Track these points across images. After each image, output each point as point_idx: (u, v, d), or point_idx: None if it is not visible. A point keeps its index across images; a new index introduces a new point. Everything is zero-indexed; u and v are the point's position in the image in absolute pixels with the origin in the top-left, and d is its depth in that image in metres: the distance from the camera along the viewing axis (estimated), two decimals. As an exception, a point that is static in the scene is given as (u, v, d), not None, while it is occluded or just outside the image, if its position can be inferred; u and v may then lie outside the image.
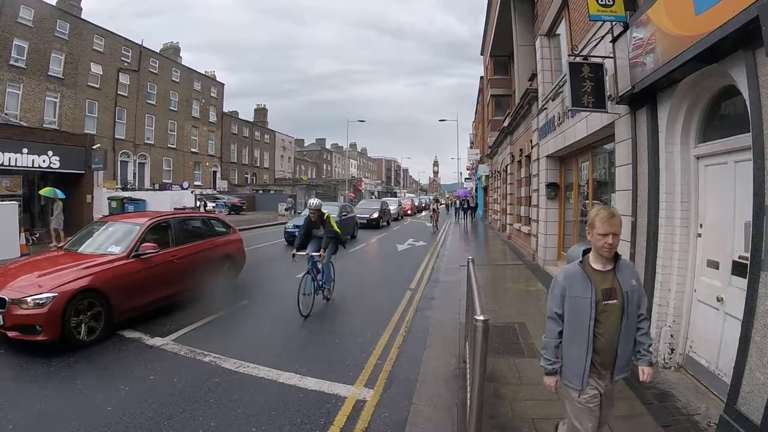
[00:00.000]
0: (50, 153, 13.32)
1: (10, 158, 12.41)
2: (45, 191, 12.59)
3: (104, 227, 6.55)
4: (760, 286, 2.75)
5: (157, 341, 5.10)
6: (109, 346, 4.93)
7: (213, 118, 41.68)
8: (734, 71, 3.16)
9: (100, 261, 5.48)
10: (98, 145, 17.12)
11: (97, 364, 4.44)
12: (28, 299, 4.59)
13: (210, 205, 26.87)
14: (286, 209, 29.13)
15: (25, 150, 12.72)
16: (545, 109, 9.58)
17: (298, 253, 6.54)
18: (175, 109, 36.48)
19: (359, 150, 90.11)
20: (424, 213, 37.79)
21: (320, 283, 6.69)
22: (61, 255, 5.90)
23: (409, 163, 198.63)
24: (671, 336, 4.10)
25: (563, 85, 7.04)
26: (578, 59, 5.38)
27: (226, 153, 43.69)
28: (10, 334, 4.58)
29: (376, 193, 61.08)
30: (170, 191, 26.78)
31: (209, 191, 35.16)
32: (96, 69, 28.68)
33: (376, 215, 22.12)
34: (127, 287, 5.43)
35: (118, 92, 30.43)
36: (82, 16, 28.32)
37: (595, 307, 2.18)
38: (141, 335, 5.27)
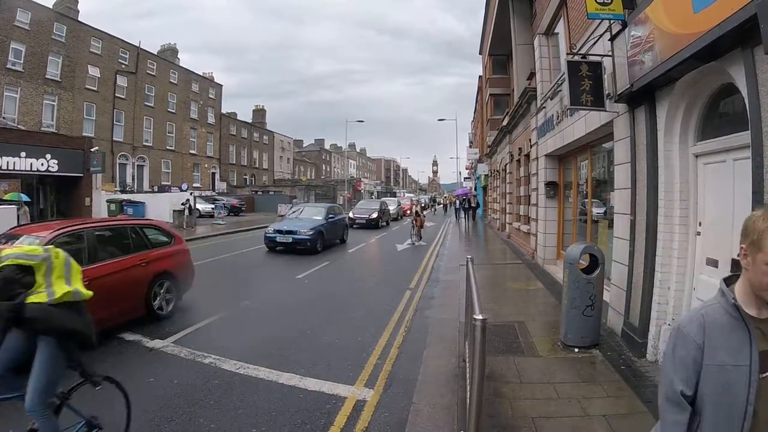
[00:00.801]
0: (48, 156, 13.31)
1: (8, 162, 12.40)
2: (9, 195, 12.32)
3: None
4: (760, 284, 2.74)
5: (156, 343, 5.09)
6: (109, 348, 4.89)
7: (211, 119, 41.67)
8: (733, 69, 3.16)
9: None
10: (96, 147, 17.12)
11: (98, 367, 4.40)
12: None
13: (209, 206, 26.78)
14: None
15: (23, 154, 12.71)
16: (544, 108, 9.59)
17: None
18: (174, 111, 36.47)
19: (358, 150, 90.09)
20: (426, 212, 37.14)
21: None
22: None
23: (409, 163, 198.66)
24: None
25: (562, 83, 7.03)
26: (577, 58, 5.39)
27: (224, 154, 43.66)
28: None
29: (375, 193, 60.99)
30: (169, 193, 26.71)
31: (208, 193, 35.10)
32: (93, 71, 28.67)
33: (375, 215, 22.11)
34: None
35: (116, 94, 30.42)
36: (79, 19, 28.30)
37: (757, 382, 1.22)
38: (141, 338, 5.26)
